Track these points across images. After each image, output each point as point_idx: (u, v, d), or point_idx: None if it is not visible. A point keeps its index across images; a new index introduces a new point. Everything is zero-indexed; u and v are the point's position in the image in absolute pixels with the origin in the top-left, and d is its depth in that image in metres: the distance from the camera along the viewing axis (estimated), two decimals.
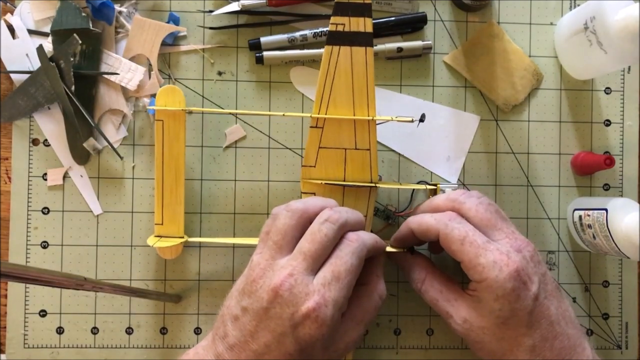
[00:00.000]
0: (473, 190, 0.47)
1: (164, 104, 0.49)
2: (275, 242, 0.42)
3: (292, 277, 0.40)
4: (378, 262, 0.47)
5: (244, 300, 0.41)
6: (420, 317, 0.54)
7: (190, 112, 0.51)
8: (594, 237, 0.50)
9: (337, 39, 0.46)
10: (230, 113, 0.53)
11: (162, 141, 0.50)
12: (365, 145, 0.48)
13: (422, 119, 0.49)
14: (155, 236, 0.51)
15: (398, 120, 0.48)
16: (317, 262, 0.42)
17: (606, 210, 0.48)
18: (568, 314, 0.44)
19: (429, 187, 0.52)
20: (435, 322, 0.54)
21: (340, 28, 0.46)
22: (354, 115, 0.47)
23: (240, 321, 0.41)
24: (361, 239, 0.43)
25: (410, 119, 0.47)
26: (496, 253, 0.42)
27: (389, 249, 0.48)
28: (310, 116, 0.47)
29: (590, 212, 0.50)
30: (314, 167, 0.49)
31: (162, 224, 0.50)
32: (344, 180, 0.49)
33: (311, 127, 0.47)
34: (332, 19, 0.46)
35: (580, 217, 0.52)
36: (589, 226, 0.50)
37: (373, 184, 0.49)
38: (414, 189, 0.54)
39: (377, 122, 0.47)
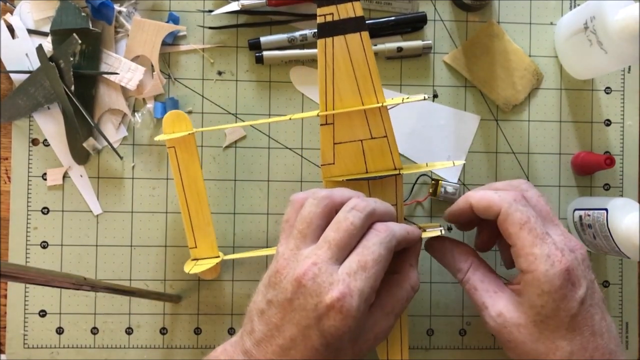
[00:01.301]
0: (520, 180, 0.46)
1: (172, 130, 0.49)
2: (300, 230, 0.41)
3: (315, 265, 0.38)
4: (413, 251, 0.45)
5: (269, 293, 0.40)
6: (421, 317, 0.54)
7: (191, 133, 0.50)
8: (594, 237, 0.50)
9: (328, 30, 0.43)
10: (242, 125, 0.53)
11: (178, 167, 0.49)
12: (381, 132, 0.46)
13: (435, 95, 0.47)
14: (192, 260, 0.50)
15: (409, 101, 0.46)
16: (343, 251, 0.40)
17: (606, 210, 0.48)
18: (612, 329, 0.42)
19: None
20: (435, 322, 0.54)
21: (329, 18, 0.43)
22: (363, 105, 0.45)
23: (265, 315, 0.39)
24: (390, 229, 0.41)
25: (422, 97, 0.45)
26: (552, 247, 0.40)
27: (424, 234, 0.46)
28: (318, 115, 0.46)
29: (590, 212, 0.50)
30: (333, 164, 0.47)
31: (196, 247, 0.50)
32: (367, 172, 0.47)
33: (321, 125, 0.46)
34: (319, 11, 0.43)
35: (580, 217, 0.52)
36: (589, 226, 0.50)
37: (397, 172, 0.46)
38: (414, 183, 0.54)
39: (389, 107, 0.45)
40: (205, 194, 0.49)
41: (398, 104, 0.46)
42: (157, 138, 0.49)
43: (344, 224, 0.40)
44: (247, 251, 0.52)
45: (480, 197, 0.43)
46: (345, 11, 0.43)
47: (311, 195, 0.42)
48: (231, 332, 0.53)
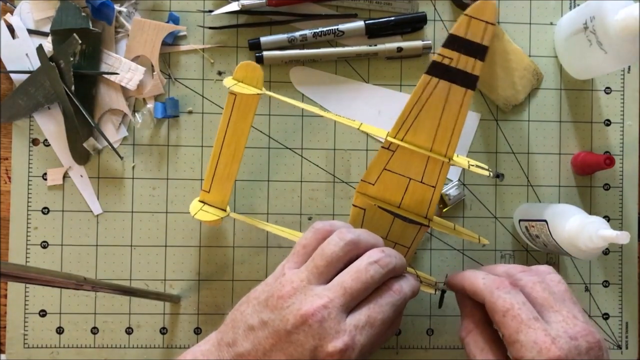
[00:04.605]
0: (543, 265, 0.43)
1: (242, 78, 0.47)
2: (317, 266, 0.40)
3: (326, 309, 0.38)
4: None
5: (264, 313, 0.39)
6: (420, 317, 0.54)
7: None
8: (545, 245, 0.50)
9: (439, 71, 0.43)
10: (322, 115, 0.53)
11: (230, 116, 0.47)
12: (432, 182, 0.46)
13: (498, 176, 0.47)
14: (199, 201, 0.50)
15: (473, 170, 0.46)
16: (355, 301, 0.40)
17: (545, 221, 0.48)
18: None
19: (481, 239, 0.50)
20: (435, 322, 0.54)
21: (446, 62, 0.42)
22: (431, 150, 0.45)
23: (255, 334, 0.39)
24: (403, 292, 0.42)
25: (486, 172, 0.46)
26: (540, 333, 0.37)
27: (422, 288, 0.47)
28: (385, 139, 0.45)
29: (534, 223, 0.50)
30: (373, 185, 0.47)
31: (208, 192, 0.49)
32: (399, 207, 0.47)
33: (382, 147, 0.45)
34: (442, 50, 0.42)
35: (526, 227, 0.51)
36: (537, 236, 0.50)
37: (426, 223, 0.47)
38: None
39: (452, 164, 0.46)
40: (241, 154, 0.49)
41: (462, 167, 0.46)
42: (225, 82, 0.47)
43: (364, 275, 0.40)
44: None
45: (470, 282, 0.43)
46: (465, 63, 0.42)
47: (337, 234, 0.42)
48: None
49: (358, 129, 0.47)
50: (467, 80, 0.43)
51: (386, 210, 0.47)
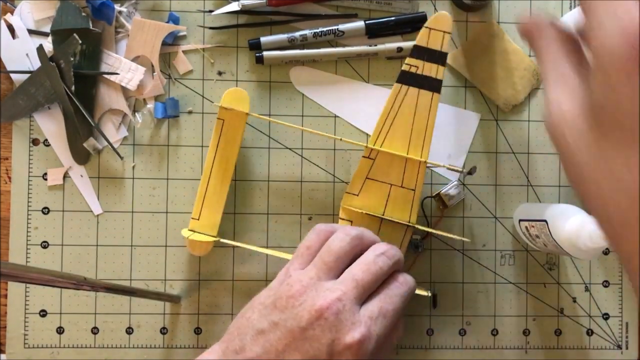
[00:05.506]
0: None
1: (229, 104, 0.49)
2: (326, 262, 0.41)
3: (340, 301, 0.38)
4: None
5: (274, 315, 0.39)
6: (421, 317, 0.54)
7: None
8: (545, 245, 0.50)
9: (408, 79, 0.48)
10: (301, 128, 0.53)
11: (218, 140, 0.50)
12: (412, 185, 0.49)
13: (470, 172, 0.51)
14: (189, 230, 0.51)
15: (449, 169, 0.49)
16: (367, 293, 0.40)
17: (545, 221, 0.48)
18: None
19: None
20: (435, 322, 0.54)
21: (413, 70, 0.48)
22: (407, 154, 0.48)
23: (266, 336, 0.38)
24: (410, 284, 0.43)
25: (460, 169, 0.49)
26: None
27: (417, 291, 0.48)
28: (365, 146, 0.49)
29: (533, 223, 0.50)
30: (357, 195, 0.49)
31: (198, 220, 0.50)
32: (382, 216, 0.49)
33: (363, 157, 0.49)
34: (408, 60, 0.48)
35: (526, 227, 0.51)
36: (537, 236, 0.50)
37: (411, 224, 0.49)
38: (422, 201, 0.53)
39: (428, 165, 0.49)
40: (230, 177, 0.50)
41: (438, 166, 0.50)
42: (216, 103, 0.49)
43: (374, 267, 0.41)
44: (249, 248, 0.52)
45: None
46: (429, 70, 0.48)
47: (342, 230, 0.43)
48: None
49: (341, 139, 0.50)
50: (432, 85, 0.48)
51: (376, 216, 0.49)
